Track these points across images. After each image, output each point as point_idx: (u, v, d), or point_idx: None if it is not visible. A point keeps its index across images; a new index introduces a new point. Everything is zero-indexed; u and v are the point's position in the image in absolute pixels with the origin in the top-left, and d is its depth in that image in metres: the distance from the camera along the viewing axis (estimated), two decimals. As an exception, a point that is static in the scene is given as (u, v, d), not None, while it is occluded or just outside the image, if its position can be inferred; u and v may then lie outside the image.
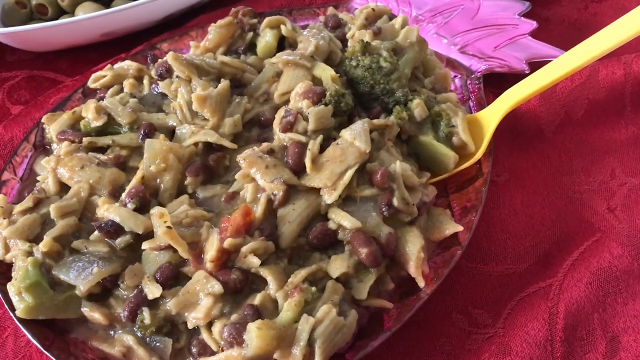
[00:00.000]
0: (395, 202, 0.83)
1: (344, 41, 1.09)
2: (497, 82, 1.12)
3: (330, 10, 1.19)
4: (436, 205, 0.93)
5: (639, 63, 1.13)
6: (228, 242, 0.77)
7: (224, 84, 0.96)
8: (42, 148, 1.02)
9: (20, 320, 0.78)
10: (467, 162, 0.96)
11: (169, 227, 0.78)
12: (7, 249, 0.84)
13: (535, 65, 1.11)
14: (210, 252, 0.77)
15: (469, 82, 1.09)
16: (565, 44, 1.17)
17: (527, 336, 0.84)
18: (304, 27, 1.13)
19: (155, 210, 0.81)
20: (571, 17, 1.34)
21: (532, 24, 1.18)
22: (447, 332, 0.86)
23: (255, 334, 0.70)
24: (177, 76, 0.99)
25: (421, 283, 0.82)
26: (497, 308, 0.88)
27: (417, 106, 0.95)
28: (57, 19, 1.28)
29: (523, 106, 1.08)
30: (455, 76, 1.12)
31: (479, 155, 0.95)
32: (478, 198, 0.91)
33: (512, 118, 1.01)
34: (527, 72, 1.10)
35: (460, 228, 0.87)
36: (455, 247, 0.86)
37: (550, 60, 1.03)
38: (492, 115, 0.98)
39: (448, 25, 1.20)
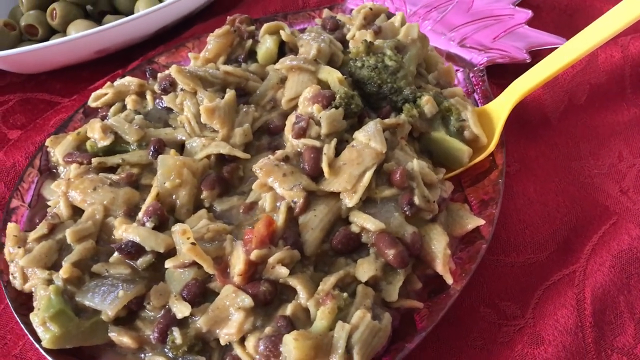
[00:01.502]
0: (416, 200, 0.82)
1: (343, 42, 1.08)
2: (499, 73, 1.13)
3: (326, 12, 1.18)
4: (453, 201, 0.93)
5: (635, 45, 1.14)
6: (255, 254, 0.76)
7: (231, 94, 0.95)
8: (48, 172, 1.00)
9: (46, 350, 0.76)
10: (481, 155, 0.96)
11: (193, 244, 0.77)
12: (25, 278, 0.82)
13: (535, 53, 1.12)
14: (238, 265, 0.76)
15: (471, 75, 1.09)
16: (558, 30, 1.19)
17: (557, 324, 0.84)
18: (302, 31, 1.12)
19: (178, 227, 0.79)
20: (561, 4, 1.35)
21: (528, 13, 1.19)
22: (477, 327, 0.86)
23: (293, 346, 0.69)
24: (181, 89, 0.97)
25: (449, 280, 0.81)
26: (524, 298, 0.88)
27: (427, 102, 0.94)
28: (47, 38, 1.26)
29: (527, 95, 1.08)
30: (457, 70, 1.12)
31: (492, 147, 0.95)
32: (496, 190, 0.91)
33: (517, 108, 1.01)
34: (528, 61, 1.10)
35: (482, 222, 0.87)
36: (479, 242, 0.86)
37: (550, 48, 1.04)
38: (501, 107, 0.98)
39: (444, 20, 1.20)
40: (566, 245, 0.94)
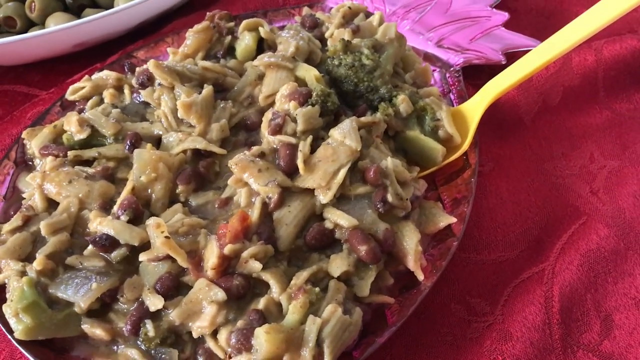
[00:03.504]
0: (389, 197, 0.83)
1: (322, 40, 1.09)
2: (475, 74, 1.15)
3: (306, 10, 1.19)
4: (427, 199, 0.95)
5: (608, 48, 1.17)
6: (228, 249, 0.76)
7: (208, 89, 0.95)
8: (24, 164, 0.99)
9: (19, 342, 0.76)
10: (454, 154, 0.97)
11: (167, 237, 0.77)
12: (-2, 270, 0.82)
13: (510, 55, 1.14)
14: (211, 259, 0.77)
15: (448, 75, 1.11)
16: (535, 32, 1.20)
17: (525, 321, 0.86)
18: (281, 29, 1.13)
19: (152, 221, 0.80)
20: (539, 6, 1.37)
21: (505, 15, 1.20)
22: (447, 323, 0.87)
23: (264, 339, 0.70)
24: (159, 84, 0.97)
25: (420, 276, 0.83)
26: (494, 296, 0.90)
27: (402, 102, 0.95)
28: (26, 30, 1.25)
29: (502, 96, 1.10)
30: (434, 70, 1.13)
31: (465, 147, 0.97)
32: (468, 189, 0.93)
33: (491, 108, 1.03)
34: (503, 62, 1.12)
35: (454, 220, 0.88)
36: (450, 239, 0.87)
37: (525, 50, 1.06)
38: (475, 107, 1.00)
39: (422, 21, 1.21)
40: (536, 244, 0.95)
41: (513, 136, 1.10)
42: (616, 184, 1.02)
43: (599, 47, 1.16)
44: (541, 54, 1.00)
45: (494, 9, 1.22)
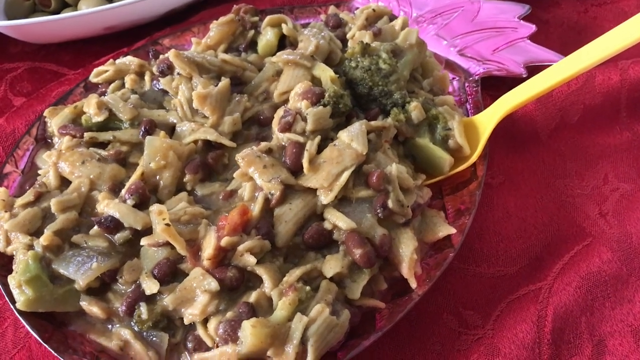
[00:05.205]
0: (390, 203, 0.84)
1: (344, 41, 1.10)
2: (495, 85, 1.14)
3: (332, 9, 1.19)
4: (431, 207, 0.95)
5: (635, 69, 1.14)
6: (225, 241, 0.78)
7: (225, 82, 0.97)
8: (44, 141, 1.03)
9: (20, 312, 0.80)
10: (462, 165, 0.97)
11: (167, 225, 0.80)
12: (8, 241, 0.86)
13: (533, 69, 1.13)
14: (208, 250, 0.79)
15: (466, 84, 1.11)
16: (564, 47, 1.18)
17: (515, 338, 0.85)
18: (305, 26, 1.14)
19: (154, 208, 0.82)
20: (571, 20, 1.35)
21: (531, 28, 1.19)
22: (437, 332, 0.88)
23: (249, 332, 0.72)
24: (178, 73, 1.00)
25: (413, 284, 0.83)
26: (487, 310, 0.90)
27: (415, 109, 0.96)
28: (59, 11, 1.29)
29: (519, 109, 1.09)
30: (453, 78, 1.13)
31: (473, 158, 0.97)
32: (472, 201, 0.93)
33: (508, 121, 1.03)
34: (524, 76, 1.11)
35: (453, 230, 0.89)
36: (447, 250, 0.88)
37: (548, 65, 1.04)
38: (488, 119, 0.99)
39: (448, 27, 1.21)
40: (537, 261, 0.95)
41: (527, 150, 1.09)
42: (627, 207, 1.00)
43: (625, 66, 1.14)
44: (561, 70, 0.98)
45: (521, 21, 1.21)
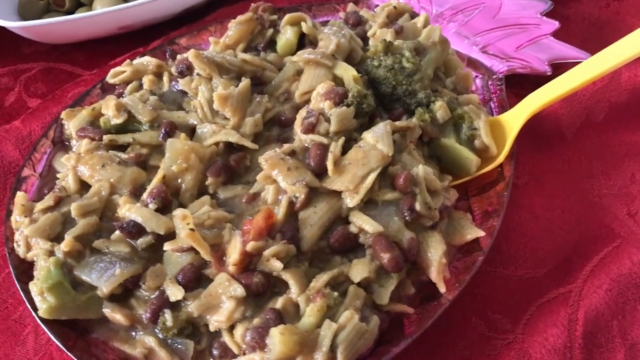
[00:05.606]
0: (417, 206, 0.82)
1: (364, 39, 1.08)
2: (518, 83, 1.12)
3: (351, 6, 1.17)
4: (457, 209, 0.93)
5: (662, 66, 1.12)
6: (251, 246, 0.77)
7: (245, 83, 0.95)
8: (61, 144, 1.01)
9: (42, 320, 0.78)
10: (489, 165, 0.95)
11: (192, 230, 0.78)
12: (28, 247, 0.84)
13: (557, 66, 1.11)
14: (233, 255, 0.77)
15: (490, 82, 1.09)
16: (586, 43, 1.16)
17: (546, 342, 0.84)
18: (324, 24, 1.12)
19: (178, 212, 0.80)
20: (592, 16, 1.33)
21: (555, 24, 1.17)
22: (466, 337, 0.86)
23: (278, 339, 0.70)
24: (197, 74, 0.98)
25: (442, 289, 0.82)
26: (517, 313, 0.88)
27: (440, 108, 0.94)
28: (74, 11, 1.27)
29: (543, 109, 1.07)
30: (476, 76, 1.11)
31: (501, 159, 0.95)
32: (500, 202, 0.91)
33: (532, 119, 1.00)
34: (549, 73, 1.09)
35: (482, 233, 0.87)
36: (476, 253, 0.86)
37: (572, 62, 1.02)
38: (515, 119, 0.97)
39: (469, 24, 1.19)
40: (566, 263, 0.93)
41: (552, 150, 1.07)
42: (656, 207, 0.99)
43: (651, 63, 1.12)
44: (588, 70, 0.96)
45: (544, 17, 1.18)
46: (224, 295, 0.76)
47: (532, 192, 1.02)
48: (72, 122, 0.97)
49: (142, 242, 0.82)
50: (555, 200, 1.01)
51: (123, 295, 0.81)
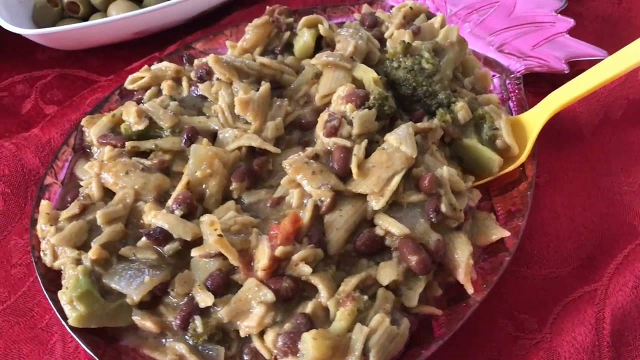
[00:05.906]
0: (443, 207, 0.82)
1: (381, 40, 1.08)
2: (535, 82, 1.12)
3: (366, 7, 1.17)
4: (479, 209, 0.93)
5: (679, 61, 1.12)
6: (280, 251, 0.77)
7: (266, 87, 0.95)
8: (82, 151, 1.01)
9: (72, 328, 0.78)
10: (511, 165, 0.95)
11: (220, 235, 0.78)
12: (55, 256, 0.84)
13: (573, 64, 1.11)
14: (262, 260, 0.77)
15: (508, 82, 1.09)
16: (600, 40, 1.16)
17: (574, 341, 0.84)
18: (339, 25, 1.11)
19: (206, 218, 0.80)
20: (605, 13, 1.33)
21: (570, 22, 1.17)
22: (493, 338, 0.86)
23: (311, 344, 0.70)
24: (217, 78, 0.98)
25: (470, 290, 0.82)
26: (543, 312, 0.88)
27: (461, 109, 0.94)
28: (88, 17, 1.27)
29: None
30: (493, 76, 1.10)
31: (523, 158, 0.95)
32: (523, 202, 0.91)
33: (550, 118, 1.01)
34: (566, 72, 1.09)
35: (507, 233, 0.87)
36: (502, 253, 0.86)
37: (589, 59, 1.02)
38: (536, 118, 0.97)
39: (484, 24, 1.19)
40: (590, 262, 0.93)
41: (571, 148, 1.07)
42: (677, 204, 0.99)
43: (668, 59, 1.12)
44: (609, 68, 0.97)
45: (559, 15, 1.18)
46: (254, 301, 0.76)
47: (552, 190, 1.02)
48: (93, 129, 0.97)
49: (169, 248, 0.82)
50: (575, 198, 1.01)
51: (151, 302, 0.81)
